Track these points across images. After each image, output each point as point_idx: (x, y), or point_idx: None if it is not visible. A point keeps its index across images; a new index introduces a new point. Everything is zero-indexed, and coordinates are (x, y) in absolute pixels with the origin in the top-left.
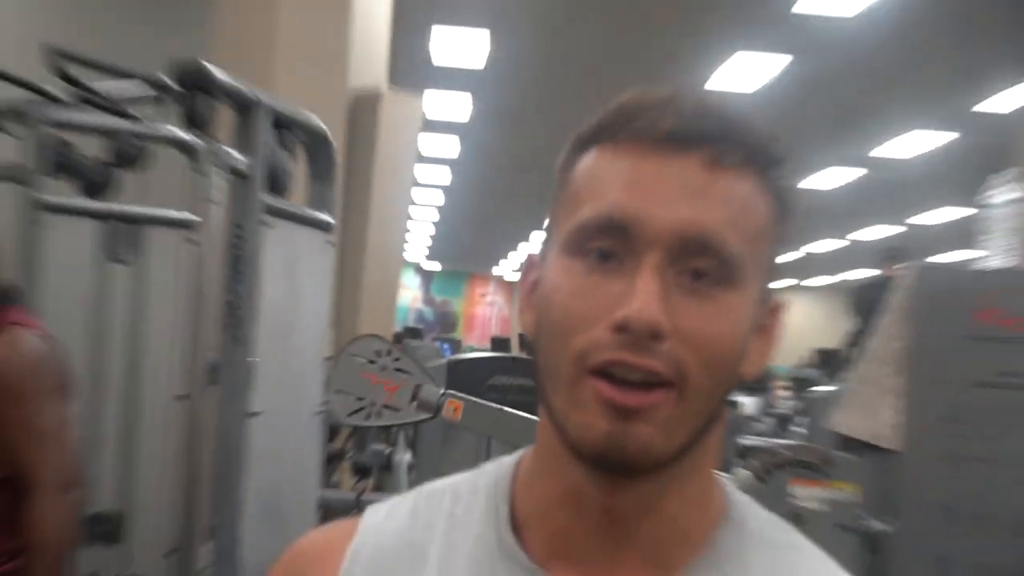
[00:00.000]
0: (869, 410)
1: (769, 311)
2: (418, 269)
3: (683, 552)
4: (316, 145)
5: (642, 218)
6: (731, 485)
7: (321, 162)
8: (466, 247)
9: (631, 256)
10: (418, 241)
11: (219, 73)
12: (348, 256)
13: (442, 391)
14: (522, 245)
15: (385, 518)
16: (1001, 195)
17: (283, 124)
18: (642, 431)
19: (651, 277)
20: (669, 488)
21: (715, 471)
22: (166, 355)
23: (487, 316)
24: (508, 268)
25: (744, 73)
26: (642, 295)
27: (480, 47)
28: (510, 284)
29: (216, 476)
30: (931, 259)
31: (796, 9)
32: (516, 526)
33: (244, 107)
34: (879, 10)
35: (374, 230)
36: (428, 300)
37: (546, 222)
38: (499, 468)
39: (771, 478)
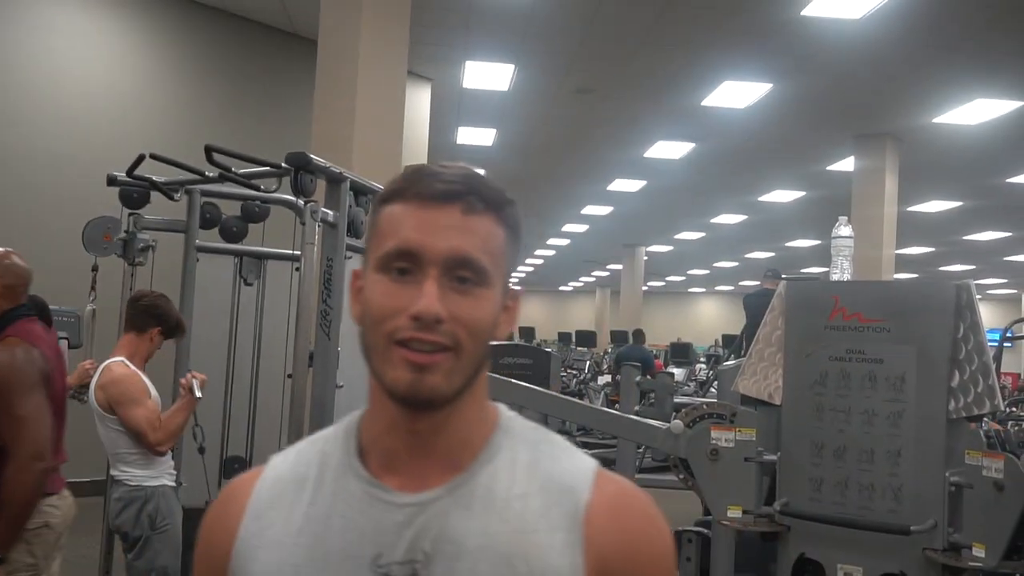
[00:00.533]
0: (761, 377)
1: (510, 298)
2: None
3: (468, 455)
4: None
5: (426, 247)
6: (504, 408)
7: None
8: None
9: (419, 271)
10: None
11: (317, 159)
12: None
13: None
14: (520, 266)
15: (282, 460)
16: (840, 233)
17: (358, 190)
18: (431, 379)
19: (433, 285)
20: (453, 415)
21: (488, 399)
22: (280, 346)
23: None
24: (511, 280)
25: (667, 150)
26: (428, 296)
27: (490, 135)
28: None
29: (313, 430)
30: (798, 272)
31: (704, 103)
32: (361, 453)
33: (333, 180)
34: (759, 106)
35: None
36: None
37: (365, 251)
38: (353, 416)
39: (696, 425)
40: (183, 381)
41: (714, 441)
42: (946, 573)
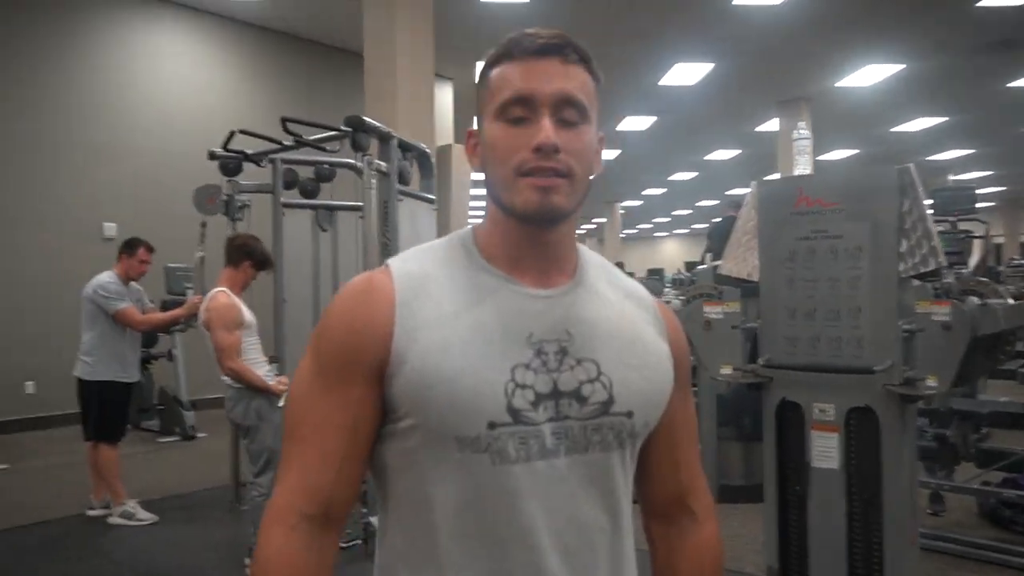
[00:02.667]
0: (741, 260)
1: (600, 139)
2: None
3: (571, 264)
4: (422, 157)
5: (536, 91)
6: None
7: (424, 166)
8: None
9: (533, 113)
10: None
11: (370, 120)
12: (442, 230)
13: None
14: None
15: (403, 262)
16: (800, 135)
17: (404, 147)
18: (555, 199)
19: (548, 122)
20: (565, 230)
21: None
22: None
23: None
24: None
25: (635, 124)
26: (546, 130)
27: None
28: None
29: None
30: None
31: (661, 83)
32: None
33: (384, 138)
34: (704, 82)
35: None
36: None
37: (477, 114)
38: (460, 235)
39: (692, 303)
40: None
41: (707, 314)
42: (904, 403)
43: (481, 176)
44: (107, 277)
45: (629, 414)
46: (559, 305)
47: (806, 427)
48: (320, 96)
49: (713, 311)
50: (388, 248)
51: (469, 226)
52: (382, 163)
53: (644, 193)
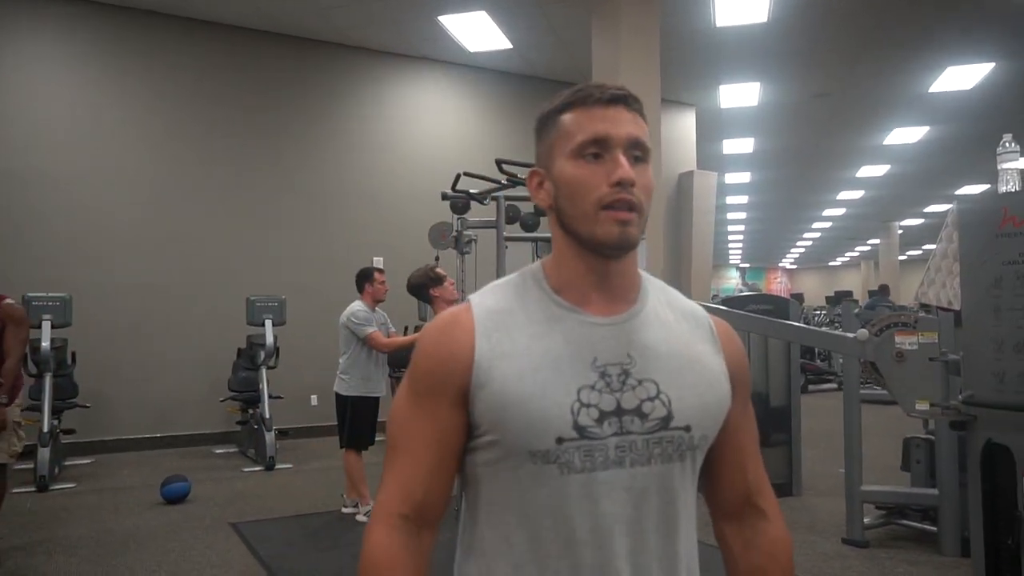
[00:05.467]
0: (940, 287)
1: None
2: (738, 268)
3: (633, 292)
4: None
5: (611, 133)
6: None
7: None
8: (763, 251)
9: (608, 153)
10: (737, 252)
11: None
12: (683, 257)
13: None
14: (792, 248)
15: (482, 299)
16: (1005, 149)
17: None
18: (631, 231)
19: (624, 159)
20: (629, 261)
21: None
22: None
23: (778, 290)
24: (788, 261)
25: (899, 136)
26: (624, 166)
27: (749, 143)
28: (790, 271)
29: None
30: None
31: (931, 90)
32: (555, 293)
33: None
34: (984, 85)
35: (694, 242)
36: (744, 284)
37: (540, 156)
38: (531, 270)
39: (883, 333)
40: None
41: (899, 345)
42: None
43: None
44: (358, 306)
45: (687, 428)
46: (621, 331)
47: (1018, 473)
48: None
49: (906, 341)
50: None
51: (538, 262)
52: None
53: (926, 210)
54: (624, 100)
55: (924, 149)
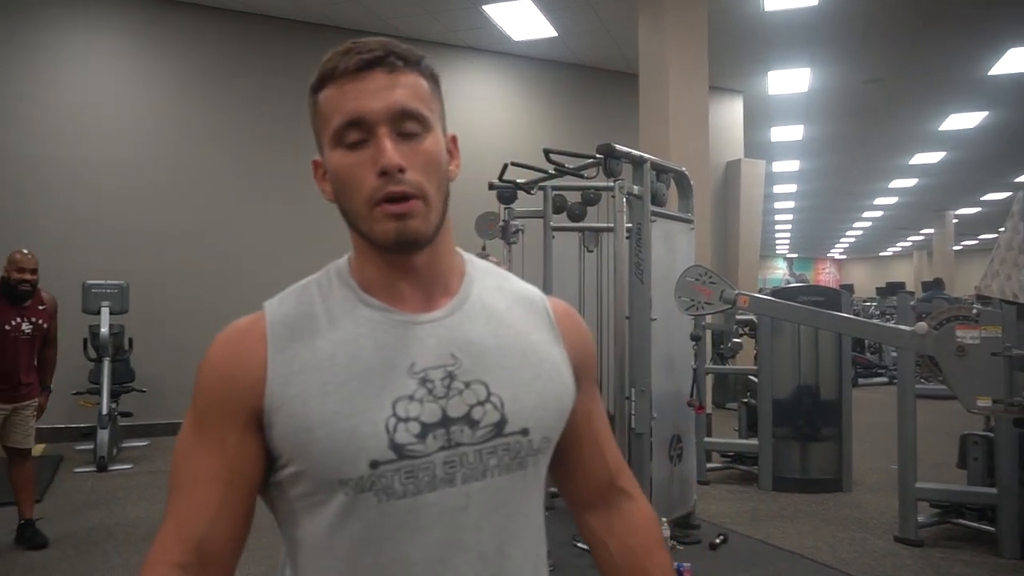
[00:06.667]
0: (1004, 279)
1: (451, 142)
2: (785, 258)
3: (455, 280)
4: (680, 178)
5: (366, 110)
6: (459, 248)
7: (683, 186)
8: (811, 241)
9: (370, 135)
10: (784, 242)
11: (620, 146)
12: (730, 247)
13: (736, 291)
14: (842, 238)
15: (279, 304)
16: None
17: (659, 169)
18: (411, 223)
19: (386, 141)
20: (438, 248)
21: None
22: (616, 293)
23: (826, 281)
24: (836, 251)
25: (957, 121)
26: (386, 151)
27: (799, 131)
28: (839, 261)
29: (634, 349)
30: None
31: (991, 73)
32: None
33: (636, 163)
34: None
35: (741, 232)
36: (792, 275)
37: (317, 141)
38: (336, 266)
39: (943, 327)
40: None
41: (960, 339)
42: None
43: None
44: None
45: (524, 432)
46: (442, 327)
47: None
48: (603, 120)
49: (967, 335)
50: (640, 268)
51: (345, 257)
52: (634, 186)
53: (983, 199)
54: (380, 62)
55: (982, 135)
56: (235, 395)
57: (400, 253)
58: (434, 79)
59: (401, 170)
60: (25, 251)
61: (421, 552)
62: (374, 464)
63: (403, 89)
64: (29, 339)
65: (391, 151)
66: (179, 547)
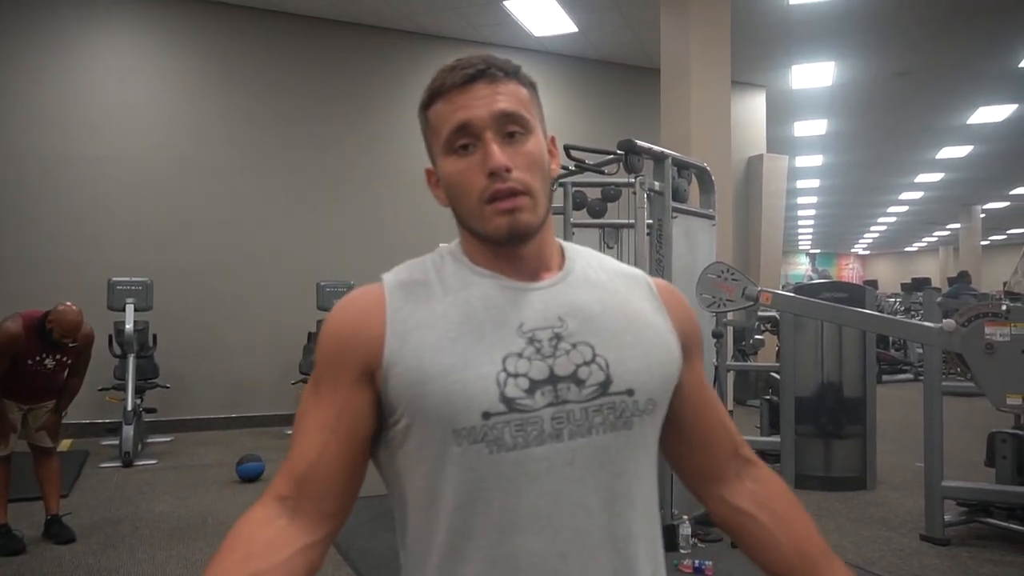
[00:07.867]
0: None
1: (551, 141)
2: (807, 253)
3: (557, 261)
4: (701, 174)
5: (473, 117)
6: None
7: (704, 182)
8: (834, 236)
9: (478, 140)
10: (807, 237)
11: (641, 142)
12: (752, 243)
13: (759, 288)
14: (865, 233)
15: (395, 274)
16: None
17: (680, 165)
18: (521, 217)
19: (493, 144)
20: (542, 240)
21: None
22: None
23: (849, 276)
24: (860, 247)
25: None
26: (494, 154)
27: (822, 125)
28: (863, 257)
29: None
30: None
31: (1022, 65)
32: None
33: (657, 158)
34: None
35: (763, 228)
36: (815, 270)
37: (429, 154)
38: (447, 247)
39: (971, 323)
40: None
41: (988, 336)
42: None
43: None
44: None
45: (630, 392)
46: (549, 294)
47: None
48: (624, 116)
49: (997, 332)
50: (660, 264)
51: (455, 241)
52: (655, 182)
53: (1012, 192)
54: (482, 75)
55: (1012, 128)
56: (352, 352)
57: (511, 246)
58: (532, 86)
59: (508, 169)
60: (74, 308)
61: (529, 503)
62: (486, 415)
63: (504, 96)
64: (49, 372)
65: (498, 153)
66: (284, 482)
